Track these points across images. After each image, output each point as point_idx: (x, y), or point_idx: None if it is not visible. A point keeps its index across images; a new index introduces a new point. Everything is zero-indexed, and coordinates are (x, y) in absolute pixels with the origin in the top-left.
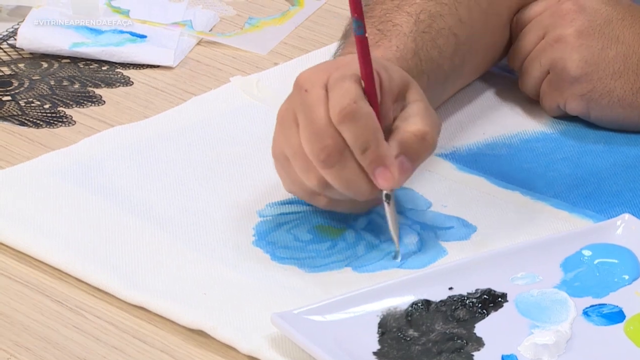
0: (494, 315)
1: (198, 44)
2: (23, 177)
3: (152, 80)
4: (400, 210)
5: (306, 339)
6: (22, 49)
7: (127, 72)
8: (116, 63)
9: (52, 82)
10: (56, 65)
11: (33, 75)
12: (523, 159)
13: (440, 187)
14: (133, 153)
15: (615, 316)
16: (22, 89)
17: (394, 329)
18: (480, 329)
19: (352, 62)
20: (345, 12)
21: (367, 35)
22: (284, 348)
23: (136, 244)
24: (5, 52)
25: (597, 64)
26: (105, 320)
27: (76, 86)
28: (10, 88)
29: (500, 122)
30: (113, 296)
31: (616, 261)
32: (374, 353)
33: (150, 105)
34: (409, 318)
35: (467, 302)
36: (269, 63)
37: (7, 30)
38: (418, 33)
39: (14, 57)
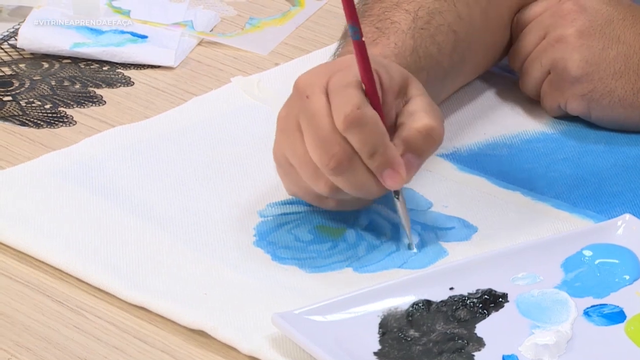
0: (494, 316)
1: (199, 44)
2: (24, 177)
3: (153, 80)
4: None
5: (307, 339)
6: (23, 49)
7: (128, 73)
8: (117, 63)
9: (53, 83)
10: (57, 65)
11: (34, 76)
12: (524, 159)
13: (441, 187)
14: (134, 153)
15: (616, 316)
16: (23, 89)
17: (395, 329)
18: (481, 329)
19: (352, 63)
20: None
21: (365, 33)
22: (285, 348)
23: (137, 244)
24: (6, 52)
25: (598, 64)
26: (106, 321)
27: (77, 86)
28: (11, 88)
29: (501, 122)
30: (114, 296)
31: (617, 261)
32: (375, 353)
33: (151, 105)
34: (410, 318)
35: (467, 302)
36: (270, 63)
37: (8, 31)
38: (416, 30)
39: (15, 57)
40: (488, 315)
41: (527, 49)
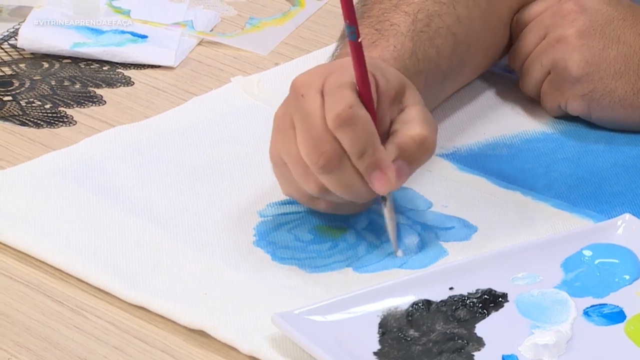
0: (494, 316)
1: (199, 44)
2: (24, 177)
3: (153, 80)
4: (401, 211)
5: (307, 339)
6: (23, 49)
7: (128, 72)
8: (117, 63)
9: (53, 82)
10: (57, 65)
11: (34, 76)
12: (524, 159)
13: (441, 187)
14: (134, 153)
15: (616, 316)
16: (23, 89)
17: (395, 329)
18: (481, 329)
19: (348, 65)
20: None
21: (364, 35)
22: (285, 348)
23: (137, 244)
24: (6, 52)
25: (598, 64)
26: (106, 321)
27: (77, 86)
28: (11, 88)
29: (501, 122)
30: (114, 296)
31: (617, 261)
32: (375, 353)
33: (151, 105)
34: (410, 318)
35: (467, 302)
36: (270, 63)
37: (8, 31)
38: (416, 32)
39: (15, 57)
40: (488, 315)
41: (528, 49)
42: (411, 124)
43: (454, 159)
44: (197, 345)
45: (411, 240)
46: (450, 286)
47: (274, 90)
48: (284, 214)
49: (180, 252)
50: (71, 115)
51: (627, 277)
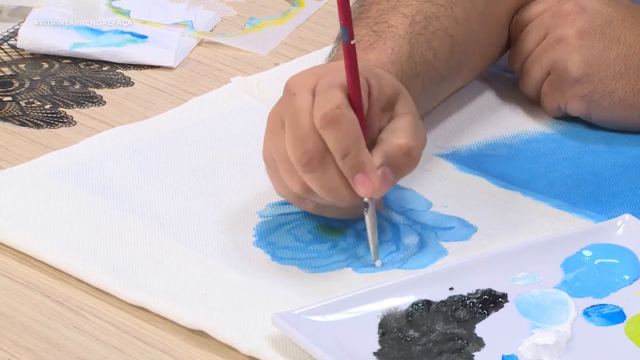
0: (494, 316)
1: (199, 44)
2: (24, 178)
3: (153, 80)
4: (400, 211)
5: (307, 339)
6: (23, 50)
7: (127, 73)
8: (117, 63)
9: (53, 83)
10: (57, 65)
11: (34, 76)
12: (524, 159)
13: (440, 187)
14: (134, 153)
15: (616, 316)
16: (22, 89)
17: (395, 329)
18: (481, 329)
19: (343, 67)
20: None
21: (361, 36)
22: (285, 348)
23: (137, 244)
24: (5, 52)
25: (598, 65)
26: (105, 321)
27: (77, 86)
28: (11, 88)
29: (501, 122)
30: (113, 296)
31: (616, 261)
32: (375, 353)
33: (150, 105)
34: (410, 318)
35: (467, 302)
36: (270, 63)
37: (7, 31)
38: (413, 35)
39: (15, 57)
40: (488, 316)
41: (527, 50)
42: (399, 132)
43: (454, 159)
44: (196, 346)
45: (411, 240)
46: (450, 286)
47: (274, 90)
48: (284, 214)
49: (180, 252)
50: (71, 116)
51: (627, 277)
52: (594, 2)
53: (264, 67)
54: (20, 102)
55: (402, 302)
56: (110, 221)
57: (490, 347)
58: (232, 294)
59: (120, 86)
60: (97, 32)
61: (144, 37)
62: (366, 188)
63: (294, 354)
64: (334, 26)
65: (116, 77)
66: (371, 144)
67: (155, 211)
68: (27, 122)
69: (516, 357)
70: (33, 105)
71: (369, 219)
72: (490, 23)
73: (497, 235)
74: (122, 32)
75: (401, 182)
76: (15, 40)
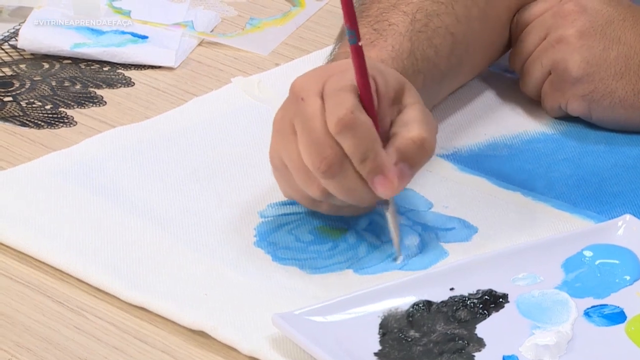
0: (495, 316)
1: (199, 44)
2: (24, 178)
3: (154, 80)
4: (401, 212)
5: (307, 339)
6: (24, 50)
7: (128, 73)
8: (117, 64)
9: (54, 83)
10: (57, 65)
11: (34, 76)
12: (524, 159)
13: (441, 188)
14: (134, 153)
15: (617, 317)
16: (23, 89)
17: (395, 330)
18: (482, 329)
19: (347, 67)
20: None
21: (362, 34)
22: (285, 349)
23: (137, 244)
24: (6, 52)
25: (599, 64)
26: (106, 321)
27: (77, 87)
28: (12, 89)
29: (502, 122)
30: (114, 297)
31: (617, 262)
32: (375, 354)
33: (151, 105)
34: (410, 319)
35: (468, 302)
36: (270, 64)
37: (8, 31)
38: (414, 32)
39: (15, 57)
40: (488, 316)
41: (528, 50)
42: (410, 125)
43: (455, 160)
44: (197, 346)
45: (412, 241)
46: (450, 287)
47: (275, 90)
48: (285, 214)
49: (180, 252)
50: (71, 116)
51: (628, 277)
52: (595, 2)
53: (265, 68)
54: (21, 103)
55: (402, 302)
56: (110, 221)
57: (490, 348)
58: (233, 294)
59: (120, 86)
60: (98, 32)
61: (144, 37)
62: (386, 189)
63: (294, 354)
64: (335, 26)
65: (117, 77)
66: (384, 138)
67: (156, 211)
68: (27, 122)
69: (517, 358)
70: (34, 105)
71: (390, 216)
72: (490, 22)
73: (497, 236)
74: (123, 33)
75: None
76: (16, 40)
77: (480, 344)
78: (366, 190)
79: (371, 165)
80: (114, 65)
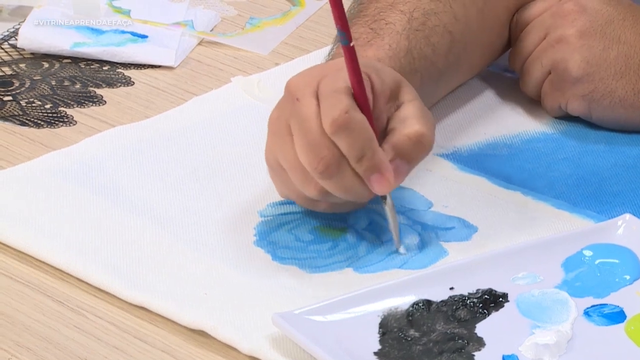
0: (494, 316)
1: (199, 44)
2: (24, 177)
3: (153, 80)
4: (401, 211)
5: (307, 339)
6: (23, 49)
7: (128, 72)
8: (117, 63)
9: (53, 82)
10: (57, 65)
11: (34, 75)
12: (524, 159)
13: (441, 187)
14: (134, 153)
15: (616, 316)
16: (23, 89)
17: (395, 329)
18: (481, 329)
19: (342, 66)
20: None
21: (360, 34)
22: (285, 348)
23: (137, 244)
24: (6, 52)
25: (599, 64)
26: (106, 321)
27: (77, 86)
28: (12, 88)
29: (501, 122)
30: (114, 296)
31: (617, 261)
32: (375, 353)
33: (151, 105)
34: (410, 318)
35: (468, 302)
36: (270, 63)
37: (8, 30)
38: (411, 31)
39: (15, 57)
40: (488, 315)
41: (528, 49)
42: (407, 121)
43: (455, 159)
44: (197, 345)
45: (411, 240)
46: (450, 286)
47: (274, 90)
48: (284, 214)
49: (180, 252)
50: (71, 115)
51: (628, 277)
52: (595, 1)
53: (265, 67)
54: (21, 102)
55: (402, 301)
56: (110, 221)
57: (490, 347)
58: (233, 294)
59: (120, 86)
60: (98, 31)
61: (144, 36)
62: (383, 186)
63: (294, 353)
64: (334, 26)
65: (116, 76)
66: (381, 135)
67: (156, 211)
68: (27, 121)
69: (517, 357)
70: (33, 104)
71: (389, 210)
72: (489, 21)
73: (497, 235)
74: (123, 32)
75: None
76: (16, 39)
77: (480, 343)
78: (363, 188)
79: (367, 163)
80: (113, 64)
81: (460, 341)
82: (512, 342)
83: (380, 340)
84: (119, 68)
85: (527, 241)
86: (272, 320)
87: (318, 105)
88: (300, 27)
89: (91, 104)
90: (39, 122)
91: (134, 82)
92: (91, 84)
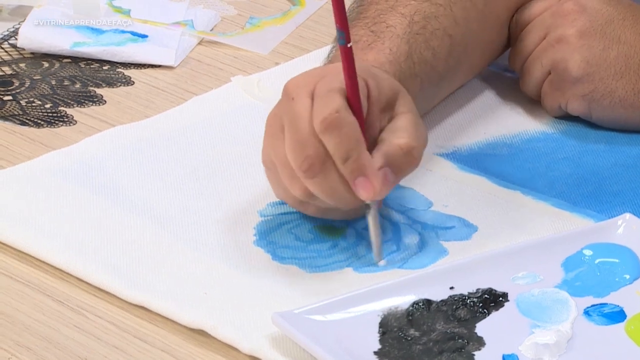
0: (494, 315)
1: (199, 43)
2: (24, 177)
3: (153, 79)
4: (401, 210)
5: (307, 338)
6: (23, 49)
7: (128, 72)
8: (117, 63)
9: (53, 82)
10: (57, 64)
11: (34, 75)
12: (524, 158)
13: (441, 186)
14: (134, 152)
15: (616, 316)
16: (23, 88)
17: (395, 329)
18: (481, 328)
19: (341, 69)
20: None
21: (360, 36)
22: (285, 348)
23: (137, 243)
24: (6, 51)
25: (599, 64)
26: (106, 320)
27: (77, 86)
28: (12, 88)
29: (501, 122)
30: (114, 296)
31: (617, 261)
32: (375, 352)
33: (151, 104)
34: (410, 317)
35: (468, 301)
36: (270, 63)
37: (8, 30)
38: (412, 35)
39: (15, 56)
40: (488, 315)
41: (528, 49)
42: (400, 132)
43: (455, 159)
44: (197, 345)
45: (411, 239)
46: (450, 286)
47: (274, 89)
48: (284, 213)
49: (180, 251)
50: (71, 115)
51: (628, 276)
52: (595, 1)
53: (265, 67)
54: (21, 102)
55: (402, 301)
56: (110, 220)
57: (490, 347)
58: (233, 293)
59: (120, 85)
60: (98, 31)
61: (144, 36)
62: (367, 191)
63: (294, 353)
64: (334, 25)
65: (116, 76)
66: (372, 144)
67: (156, 210)
68: (27, 121)
69: (517, 357)
70: (33, 104)
71: (371, 220)
72: (489, 22)
73: (497, 235)
74: (123, 32)
75: (401, 182)
76: (16, 39)
77: (480, 342)
78: (348, 192)
79: (353, 165)
80: (113, 64)
81: (460, 341)
82: (512, 341)
83: (380, 340)
84: (119, 68)
85: (527, 241)
86: (272, 319)
87: (312, 105)
88: (300, 27)
89: (91, 103)
90: (39, 121)
91: (134, 82)
92: (91, 84)
